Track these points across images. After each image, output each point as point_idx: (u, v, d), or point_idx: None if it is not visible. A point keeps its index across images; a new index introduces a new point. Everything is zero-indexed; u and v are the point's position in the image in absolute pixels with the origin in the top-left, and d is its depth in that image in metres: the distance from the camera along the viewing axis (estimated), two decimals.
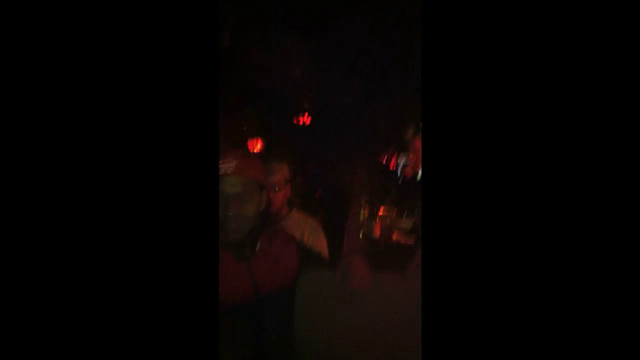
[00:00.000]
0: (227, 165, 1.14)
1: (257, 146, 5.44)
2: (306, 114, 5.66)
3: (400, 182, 2.95)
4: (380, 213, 2.19)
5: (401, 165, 3.26)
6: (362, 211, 2.11)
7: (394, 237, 2.05)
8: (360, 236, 2.04)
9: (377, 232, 1.97)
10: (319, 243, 1.86)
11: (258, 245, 1.21)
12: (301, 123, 5.67)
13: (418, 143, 2.85)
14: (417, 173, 2.89)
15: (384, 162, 3.59)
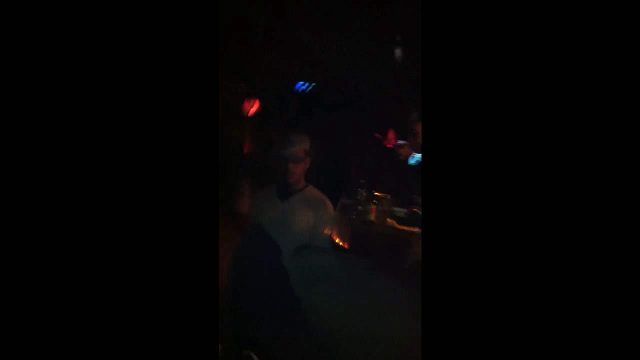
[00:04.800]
0: None
1: (253, 107, 5.35)
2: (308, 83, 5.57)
3: (396, 164, 2.96)
4: (378, 195, 2.22)
5: (399, 145, 3.28)
6: (360, 191, 2.12)
7: (388, 221, 2.08)
8: (354, 216, 2.06)
9: (372, 215, 1.99)
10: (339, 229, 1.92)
11: None
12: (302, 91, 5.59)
13: (419, 127, 2.86)
14: (412, 156, 2.92)
15: (384, 143, 3.60)
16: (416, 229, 2.10)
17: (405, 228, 2.07)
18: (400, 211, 2.18)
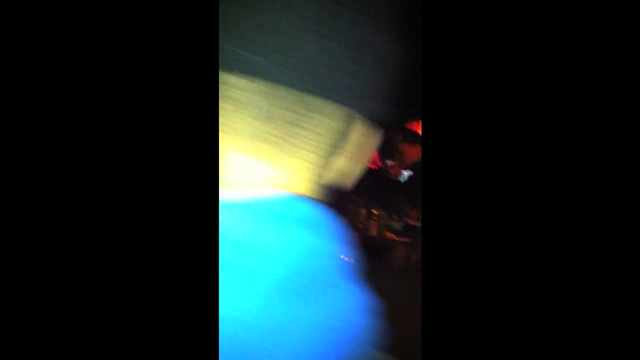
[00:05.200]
0: None
1: None
2: None
3: (388, 182, 3.27)
4: (376, 212, 2.51)
5: (388, 166, 3.59)
6: (359, 210, 2.42)
7: (387, 234, 2.37)
8: (357, 233, 2.34)
9: (373, 231, 2.28)
10: None
11: None
12: None
13: (404, 147, 3.20)
14: (401, 174, 3.24)
15: (374, 164, 3.91)
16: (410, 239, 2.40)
17: (403, 239, 2.36)
18: (397, 225, 2.47)
